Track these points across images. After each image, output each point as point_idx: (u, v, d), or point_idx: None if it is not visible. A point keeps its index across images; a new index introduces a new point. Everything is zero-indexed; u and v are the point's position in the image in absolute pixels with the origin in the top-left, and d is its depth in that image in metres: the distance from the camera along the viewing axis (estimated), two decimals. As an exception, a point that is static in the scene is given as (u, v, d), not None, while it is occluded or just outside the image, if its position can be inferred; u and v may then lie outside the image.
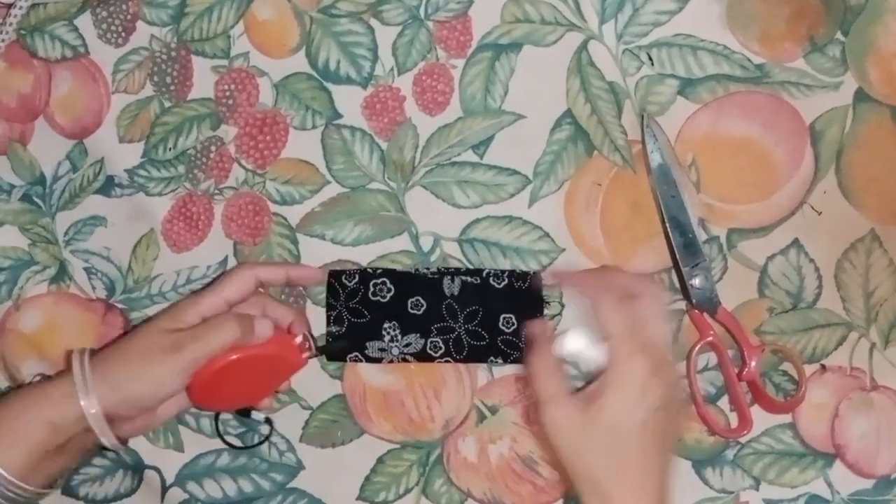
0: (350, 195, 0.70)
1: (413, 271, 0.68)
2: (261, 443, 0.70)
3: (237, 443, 0.71)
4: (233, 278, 0.65)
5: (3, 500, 0.58)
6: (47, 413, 0.59)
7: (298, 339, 0.65)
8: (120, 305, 0.72)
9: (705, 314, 0.67)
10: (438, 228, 0.70)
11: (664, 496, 0.55)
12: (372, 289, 0.68)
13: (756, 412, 0.67)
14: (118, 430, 0.61)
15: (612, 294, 0.58)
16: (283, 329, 0.66)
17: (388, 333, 0.68)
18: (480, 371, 0.70)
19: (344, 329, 0.69)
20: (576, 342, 0.59)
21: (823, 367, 0.68)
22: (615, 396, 0.55)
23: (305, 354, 0.66)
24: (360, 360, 0.69)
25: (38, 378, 0.67)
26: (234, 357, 0.62)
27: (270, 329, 0.64)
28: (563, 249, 0.69)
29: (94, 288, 0.72)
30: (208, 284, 0.68)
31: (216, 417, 0.70)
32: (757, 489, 0.69)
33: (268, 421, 0.70)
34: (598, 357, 0.57)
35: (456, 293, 0.68)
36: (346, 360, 0.70)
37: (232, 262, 0.71)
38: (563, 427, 0.55)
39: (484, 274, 0.68)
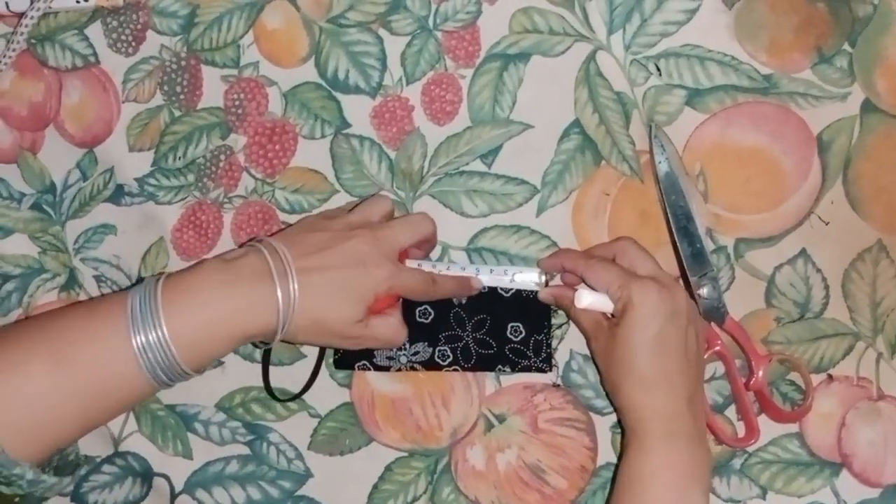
0: (359, 204, 0.70)
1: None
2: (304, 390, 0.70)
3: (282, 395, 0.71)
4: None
5: (161, 371, 0.58)
6: (248, 328, 0.60)
7: None
8: (129, 313, 0.72)
9: (713, 324, 0.67)
10: (447, 237, 0.70)
11: (684, 394, 0.62)
12: (380, 297, 0.68)
13: (763, 422, 0.67)
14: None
15: (595, 259, 0.65)
16: None
17: (397, 342, 0.68)
18: (488, 379, 0.70)
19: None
20: (590, 294, 0.64)
21: (830, 376, 0.68)
22: (631, 316, 0.62)
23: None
24: (369, 369, 0.69)
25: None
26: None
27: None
28: (571, 259, 0.69)
29: (103, 296, 0.72)
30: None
31: (265, 372, 0.70)
32: (764, 498, 0.69)
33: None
34: (609, 302, 0.64)
35: (464, 302, 0.69)
36: (354, 369, 0.70)
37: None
38: (597, 350, 0.65)
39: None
